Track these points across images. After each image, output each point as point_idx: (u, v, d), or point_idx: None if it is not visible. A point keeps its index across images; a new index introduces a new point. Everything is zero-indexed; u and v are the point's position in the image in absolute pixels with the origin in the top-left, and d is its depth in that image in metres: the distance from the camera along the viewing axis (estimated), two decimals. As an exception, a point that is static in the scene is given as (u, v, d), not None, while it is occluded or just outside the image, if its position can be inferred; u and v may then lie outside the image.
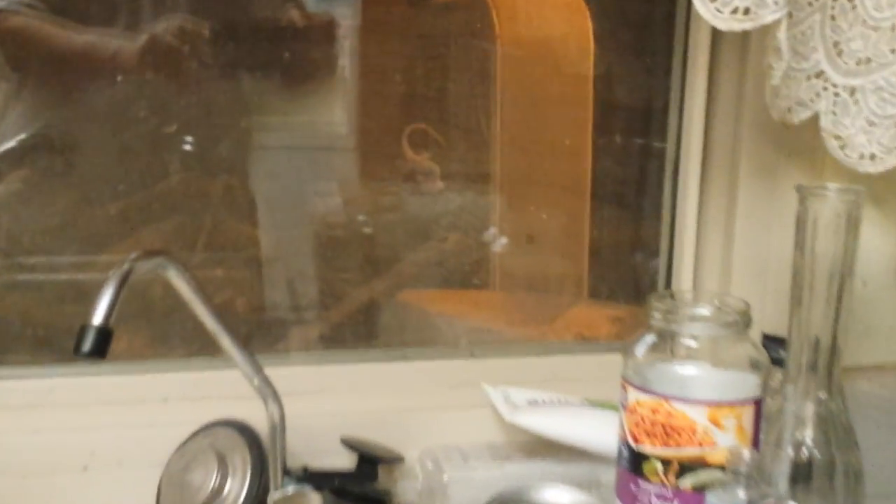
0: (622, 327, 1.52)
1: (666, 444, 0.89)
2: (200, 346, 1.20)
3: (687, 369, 0.92)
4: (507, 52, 1.59)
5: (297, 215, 1.58)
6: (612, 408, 1.01)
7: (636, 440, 0.92)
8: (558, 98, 1.60)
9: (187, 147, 1.42)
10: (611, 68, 1.55)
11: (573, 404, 1.15)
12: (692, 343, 0.92)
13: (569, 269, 1.64)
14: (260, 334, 1.44)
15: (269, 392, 0.88)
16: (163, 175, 1.41)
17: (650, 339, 0.95)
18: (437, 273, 1.58)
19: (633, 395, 0.92)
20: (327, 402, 1.14)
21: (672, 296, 1.01)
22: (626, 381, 0.95)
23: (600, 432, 1.04)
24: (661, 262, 1.33)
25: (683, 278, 1.26)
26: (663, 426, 0.90)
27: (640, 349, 0.95)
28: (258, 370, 0.88)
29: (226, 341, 0.84)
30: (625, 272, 1.54)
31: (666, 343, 0.94)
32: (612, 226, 1.58)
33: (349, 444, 1.03)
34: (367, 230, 1.55)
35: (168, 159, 1.42)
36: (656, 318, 0.94)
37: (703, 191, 1.23)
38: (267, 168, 1.56)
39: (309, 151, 1.63)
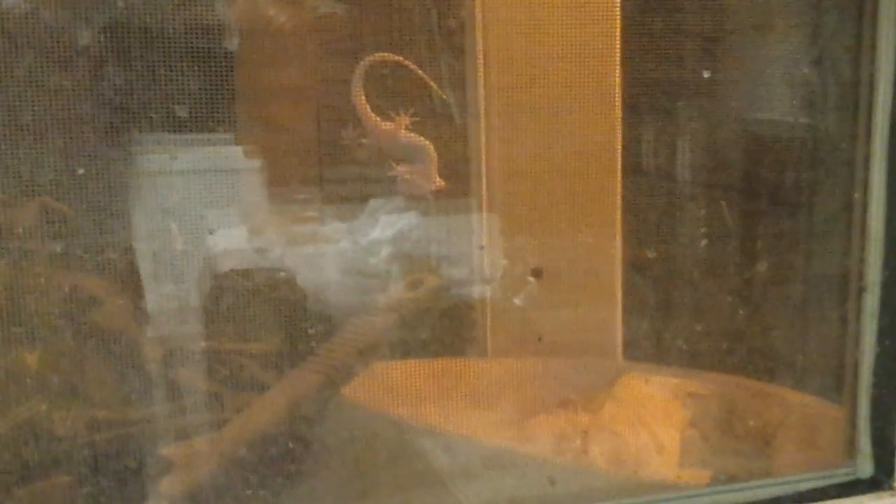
0: (703, 412, 0.94)
1: None
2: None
3: None
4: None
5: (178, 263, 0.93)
6: None
7: None
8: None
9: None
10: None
11: None
12: None
13: (599, 315, 1.05)
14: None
15: None
16: None
17: None
18: (400, 338, 0.96)
19: None
20: None
21: None
22: None
23: None
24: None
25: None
26: None
27: None
28: None
29: None
30: (693, 311, 0.96)
31: None
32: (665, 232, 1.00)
33: None
34: (283, 276, 0.92)
35: None
36: None
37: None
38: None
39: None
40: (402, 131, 0.85)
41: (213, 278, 0.92)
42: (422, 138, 0.85)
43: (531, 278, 0.94)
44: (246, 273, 0.93)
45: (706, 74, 0.94)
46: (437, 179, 0.85)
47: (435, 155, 0.85)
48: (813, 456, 0.84)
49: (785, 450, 0.87)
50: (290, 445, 0.86)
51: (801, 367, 0.92)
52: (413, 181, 0.85)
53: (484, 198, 1.00)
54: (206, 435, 0.87)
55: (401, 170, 0.85)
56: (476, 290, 0.97)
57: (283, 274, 0.94)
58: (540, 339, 0.93)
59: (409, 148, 0.85)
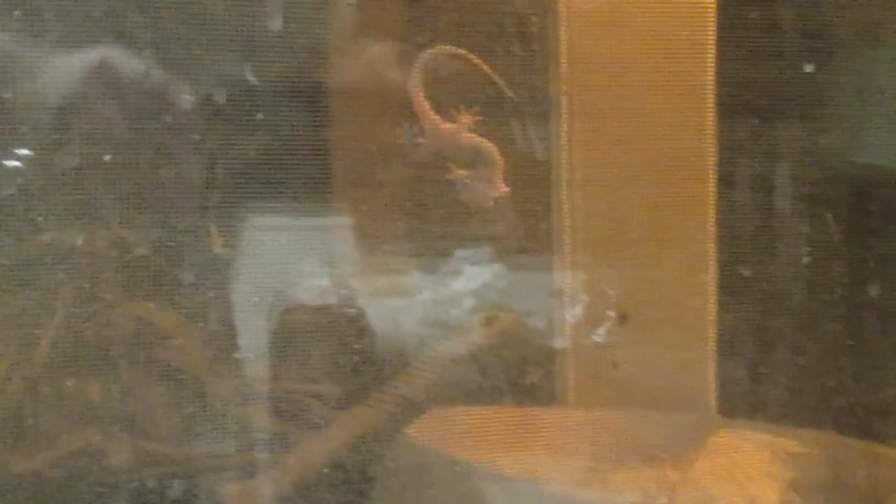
0: (807, 473, 0.85)
1: None
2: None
3: None
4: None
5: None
6: None
7: None
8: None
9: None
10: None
11: None
12: None
13: (689, 358, 0.97)
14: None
15: None
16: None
17: None
18: (472, 378, 0.90)
19: None
20: None
21: None
22: None
23: None
24: None
25: None
26: None
27: None
28: None
29: None
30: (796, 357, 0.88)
31: None
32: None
33: None
34: (351, 311, 0.87)
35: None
36: None
37: None
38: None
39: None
40: (465, 132, 0.79)
41: (287, 322, 0.89)
42: (486, 141, 0.79)
43: (612, 315, 0.87)
44: (318, 314, 0.90)
45: (808, 69, 0.87)
46: (502, 186, 0.79)
47: (500, 159, 0.79)
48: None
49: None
50: (350, 485, 0.81)
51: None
52: (475, 187, 0.80)
53: (559, 214, 0.93)
54: (262, 474, 0.83)
55: (461, 174, 0.80)
56: (554, 329, 0.91)
57: (354, 314, 0.90)
58: (615, 367, 0.86)
59: (471, 151, 0.80)
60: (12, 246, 0.78)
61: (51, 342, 0.80)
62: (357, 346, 0.87)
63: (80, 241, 0.80)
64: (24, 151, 0.77)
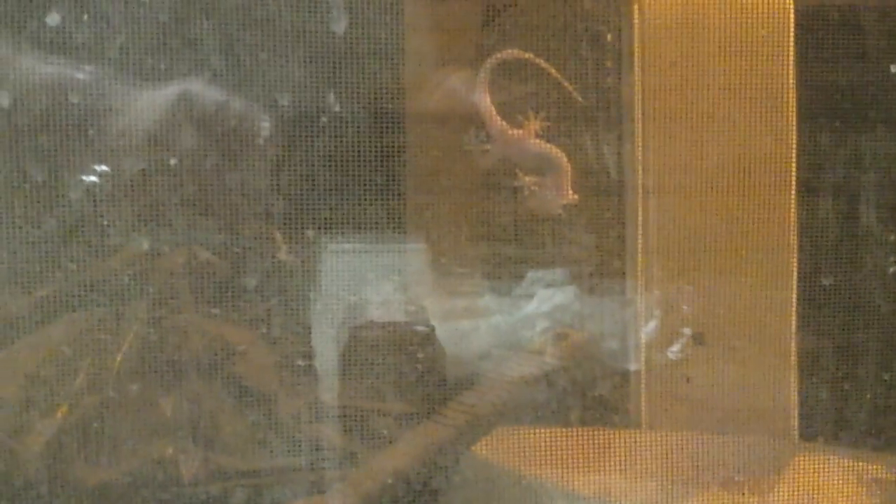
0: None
1: None
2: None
3: None
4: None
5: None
6: None
7: None
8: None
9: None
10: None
11: None
12: None
13: (769, 378, 0.92)
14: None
15: None
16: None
17: None
18: (538, 398, 0.87)
19: None
20: None
21: None
22: None
23: None
24: None
25: None
26: None
27: None
28: None
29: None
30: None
31: None
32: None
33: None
34: (423, 328, 0.85)
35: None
36: None
37: None
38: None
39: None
40: (532, 138, 0.77)
41: (356, 337, 0.87)
42: (554, 147, 0.77)
43: (687, 331, 0.83)
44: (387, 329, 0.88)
45: (894, 70, 0.83)
46: (570, 193, 0.76)
47: (568, 166, 0.76)
48: None
49: None
50: (414, 497, 0.79)
51: None
52: (542, 194, 0.77)
53: (632, 223, 0.89)
54: (328, 488, 0.81)
55: (528, 181, 0.77)
56: (626, 346, 0.87)
57: (425, 332, 0.88)
58: (688, 381, 0.82)
59: (538, 157, 0.77)
60: (85, 257, 0.77)
61: (124, 355, 0.80)
62: (422, 357, 0.85)
63: (152, 253, 0.80)
64: (101, 166, 0.77)
